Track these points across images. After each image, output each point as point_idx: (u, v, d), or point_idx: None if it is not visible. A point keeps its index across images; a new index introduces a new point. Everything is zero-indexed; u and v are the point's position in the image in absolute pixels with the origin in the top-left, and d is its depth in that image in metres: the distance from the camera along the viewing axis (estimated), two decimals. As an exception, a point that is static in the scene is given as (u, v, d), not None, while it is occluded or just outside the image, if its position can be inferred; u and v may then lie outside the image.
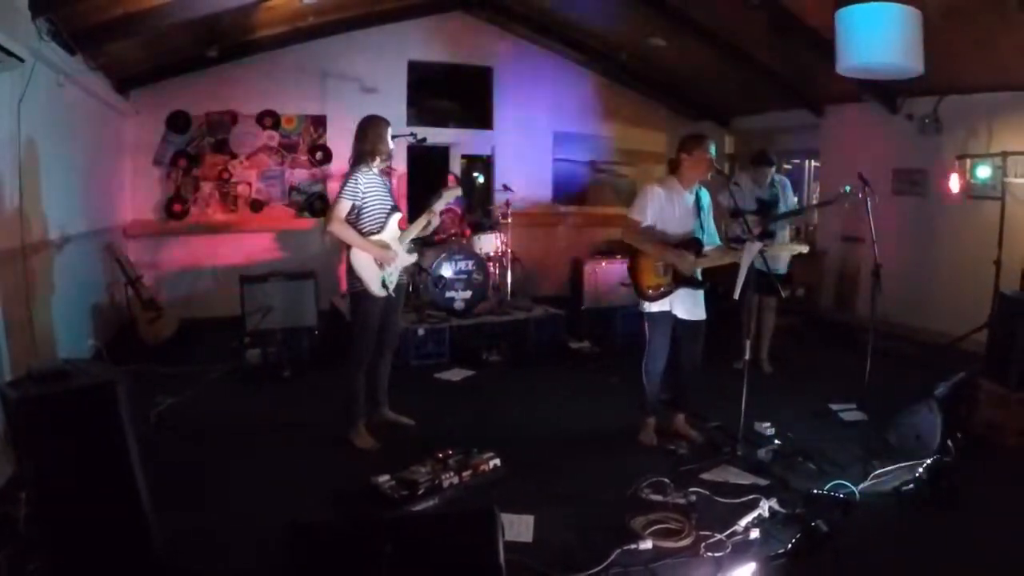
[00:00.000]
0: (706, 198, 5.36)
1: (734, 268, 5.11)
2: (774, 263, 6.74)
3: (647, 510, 4.18)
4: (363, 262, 5.19)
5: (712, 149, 5.16)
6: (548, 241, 11.45)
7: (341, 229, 5.13)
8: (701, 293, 5.34)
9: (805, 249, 5.29)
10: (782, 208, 7.16)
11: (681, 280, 5.19)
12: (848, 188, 6.51)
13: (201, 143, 9.70)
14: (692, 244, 5.17)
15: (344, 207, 5.13)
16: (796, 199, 7.41)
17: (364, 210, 5.20)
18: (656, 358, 5.37)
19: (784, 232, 7.35)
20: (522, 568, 3.53)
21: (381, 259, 5.23)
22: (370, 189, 5.20)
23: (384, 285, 5.25)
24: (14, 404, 3.04)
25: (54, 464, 3.08)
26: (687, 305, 5.30)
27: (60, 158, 6.32)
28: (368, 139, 5.27)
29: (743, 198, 6.94)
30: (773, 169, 7.27)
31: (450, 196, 5.72)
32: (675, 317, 5.31)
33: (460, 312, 8.22)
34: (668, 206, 5.22)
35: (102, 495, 3.17)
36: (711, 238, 5.34)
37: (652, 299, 5.25)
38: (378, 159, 5.30)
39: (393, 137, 5.45)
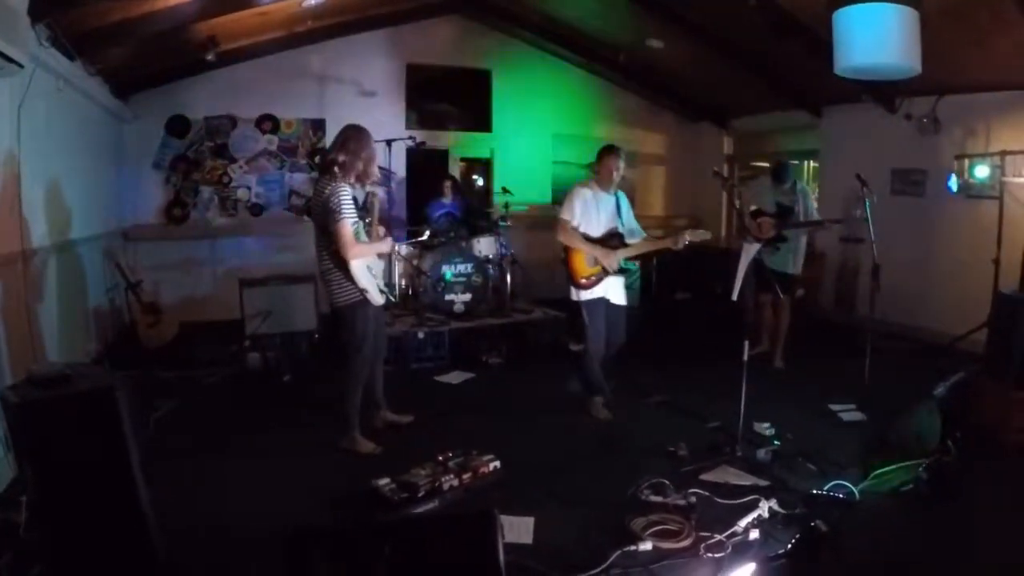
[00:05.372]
0: (624, 199, 6.07)
1: (734, 270, 5.20)
2: (784, 264, 7.00)
3: (647, 511, 4.18)
4: (363, 272, 5.07)
5: (619, 160, 5.85)
6: (547, 243, 11.41)
7: (358, 250, 4.98)
8: (623, 281, 6.05)
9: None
10: (800, 215, 7.24)
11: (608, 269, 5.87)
12: (859, 212, 6.58)
13: (200, 147, 9.72)
14: (614, 238, 5.89)
15: (351, 228, 4.91)
16: (815, 208, 7.49)
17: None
18: (597, 340, 5.92)
19: (801, 240, 7.48)
20: (522, 570, 3.53)
21: (390, 252, 5.27)
22: (352, 199, 5.02)
23: (381, 291, 5.22)
24: (14, 408, 3.04)
25: (54, 468, 3.08)
26: (616, 291, 5.99)
27: (60, 163, 6.33)
28: (361, 157, 5.03)
29: (764, 200, 7.20)
30: (789, 182, 7.45)
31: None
32: (607, 302, 5.92)
33: (459, 314, 8.22)
34: (591, 205, 5.88)
35: (103, 499, 3.17)
36: (634, 233, 6.00)
37: (586, 287, 5.85)
38: (364, 181, 5.15)
39: (390, 142, 5.35)
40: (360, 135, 5.11)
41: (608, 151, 5.93)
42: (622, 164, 5.91)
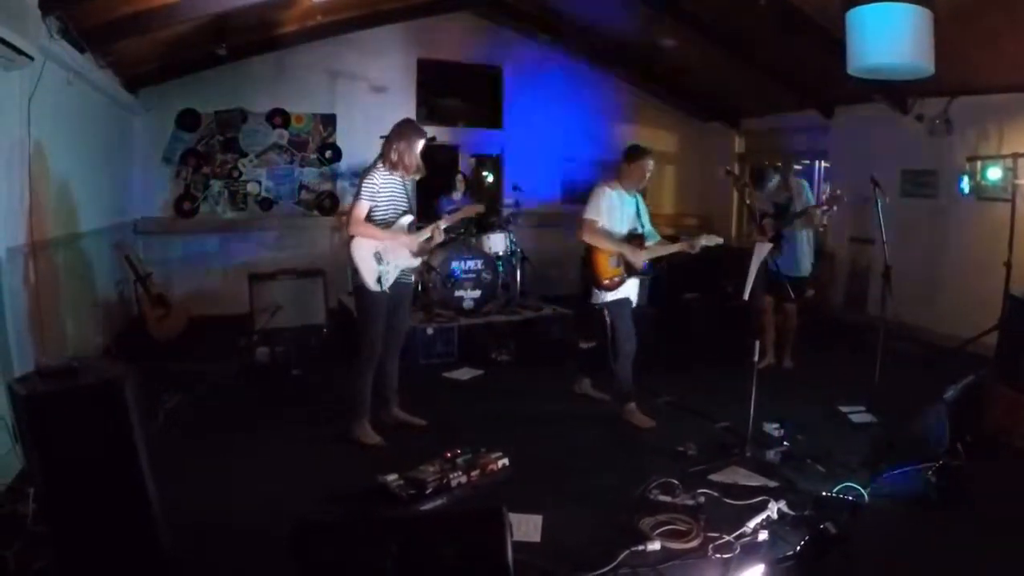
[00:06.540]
0: (642, 201, 6.02)
1: (745, 270, 5.20)
2: (794, 266, 6.97)
3: (655, 511, 4.17)
4: (362, 255, 5.15)
5: (651, 161, 5.81)
6: (557, 240, 11.43)
7: (363, 229, 5.13)
8: (638, 282, 6.01)
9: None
10: (796, 210, 7.18)
11: (631, 270, 5.78)
12: (839, 192, 6.61)
13: (211, 141, 9.74)
14: (635, 238, 5.83)
15: (363, 209, 5.12)
16: (810, 199, 7.42)
17: (375, 209, 5.18)
18: (628, 340, 5.80)
19: (803, 233, 7.34)
20: (530, 568, 3.52)
21: (407, 246, 5.32)
22: (385, 188, 5.22)
23: (379, 281, 5.21)
24: (23, 400, 3.04)
25: (62, 460, 3.08)
26: (636, 292, 5.99)
27: (70, 156, 6.33)
28: (396, 149, 5.21)
29: (762, 202, 7.17)
30: (772, 183, 7.41)
31: (464, 214, 6.22)
32: (630, 302, 5.89)
33: (469, 311, 8.21)
34: (616, 206, 5.80)
35: (109, 492, 3.16)
36: (651, 235, 5.96)
37: (609, 289, 5.75)
38: (400, 170, 5.27)
39: None
40: (400, 128, 5.36)
41: (642, 152, 5.82)
42: (652, 164, 5.85)
